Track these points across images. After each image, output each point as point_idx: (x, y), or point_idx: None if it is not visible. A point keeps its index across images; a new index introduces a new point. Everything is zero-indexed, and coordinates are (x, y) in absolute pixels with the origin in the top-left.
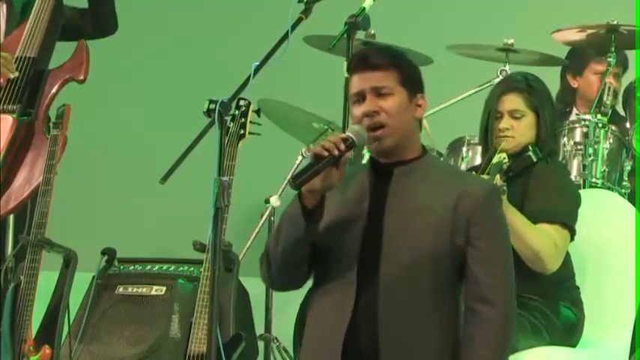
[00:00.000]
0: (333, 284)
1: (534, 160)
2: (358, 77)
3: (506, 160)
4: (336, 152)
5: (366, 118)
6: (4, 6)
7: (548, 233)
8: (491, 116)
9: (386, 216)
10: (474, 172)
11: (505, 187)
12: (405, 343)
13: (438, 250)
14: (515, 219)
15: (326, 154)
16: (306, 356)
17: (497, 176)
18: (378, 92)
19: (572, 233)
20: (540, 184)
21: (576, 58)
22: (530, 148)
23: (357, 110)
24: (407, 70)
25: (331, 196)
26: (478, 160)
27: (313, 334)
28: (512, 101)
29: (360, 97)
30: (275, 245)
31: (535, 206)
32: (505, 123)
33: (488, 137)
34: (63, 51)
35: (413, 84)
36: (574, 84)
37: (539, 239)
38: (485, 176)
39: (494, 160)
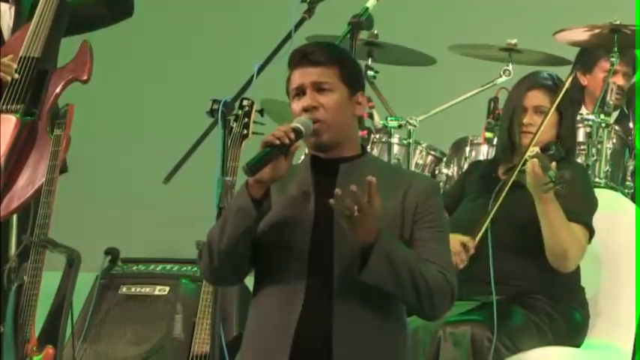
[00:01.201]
0: (280, 284)
1: (557, 158)
2: (299, 72)
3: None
4: (287, 141)
5: (305, 113)
6: (13, 7)
7: (577, 233)
8: (516, 111)
9: (335, 214)
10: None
11: (565, 175)
12: (359, 341)
13: None
14: (555, 213)
15: (278, 142)
16: (249, 356)
17: (554, 164)
18: (319, 87)
19: (592, 236)
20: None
21: (587, 56)
22: (553, 147)
23: (297, 105)
24: (348, 68)
25: (273, 193)
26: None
27: (258, 335)
28: (538, 98)
29: (300, 92)
30: (220, 238)
31: (562, 205)
32: (529, 118)
33: (512, 131)
34: (68, 51)
35: (354, 81)
36: (583, 81)
37: (570, 238)
38: (534, 160)
39: (529, 153)
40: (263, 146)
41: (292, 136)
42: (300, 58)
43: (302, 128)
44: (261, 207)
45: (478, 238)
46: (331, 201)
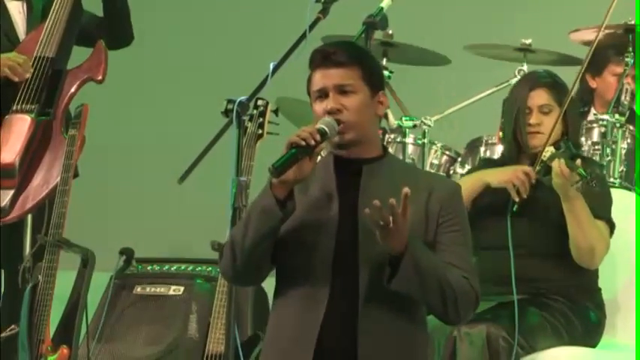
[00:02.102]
0: (303, 286)
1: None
2: (320, 74)
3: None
4: (312, 142)
5: (329, 115)
6: (24, 5)
7: (602, 229)
8: (520, 112)
9: (359, 215)
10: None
11: (596, 170)
12: (384, 342)
13: None
14: (582, 210)
15: (303, 143)
16: (271, 356)
17: (579, 161)
18: (341, 90)
19: (613, 230)
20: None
21: (596, 59)
22: (562, 144)
23: (319, 107)
24: (369, 68)
25: (295, 194)
26: None
27: (281, 335)
28: (541, 96)
29: (323, 94)
30: (243, 237)
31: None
32: (535, 118)
33: (519, 133)
34: (80, 51)
35: (375, 81)
36: (592, 84)
37: (597, 235)
38: (560, 160)
39: (547, 154)
40: (288, 147)
41: (318, 137)
42: (322, 59)
43: (327, 129)
44: (286, 207)
45: (535, 170)
46: (366, 211)
